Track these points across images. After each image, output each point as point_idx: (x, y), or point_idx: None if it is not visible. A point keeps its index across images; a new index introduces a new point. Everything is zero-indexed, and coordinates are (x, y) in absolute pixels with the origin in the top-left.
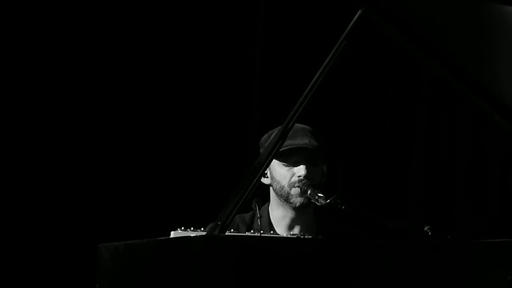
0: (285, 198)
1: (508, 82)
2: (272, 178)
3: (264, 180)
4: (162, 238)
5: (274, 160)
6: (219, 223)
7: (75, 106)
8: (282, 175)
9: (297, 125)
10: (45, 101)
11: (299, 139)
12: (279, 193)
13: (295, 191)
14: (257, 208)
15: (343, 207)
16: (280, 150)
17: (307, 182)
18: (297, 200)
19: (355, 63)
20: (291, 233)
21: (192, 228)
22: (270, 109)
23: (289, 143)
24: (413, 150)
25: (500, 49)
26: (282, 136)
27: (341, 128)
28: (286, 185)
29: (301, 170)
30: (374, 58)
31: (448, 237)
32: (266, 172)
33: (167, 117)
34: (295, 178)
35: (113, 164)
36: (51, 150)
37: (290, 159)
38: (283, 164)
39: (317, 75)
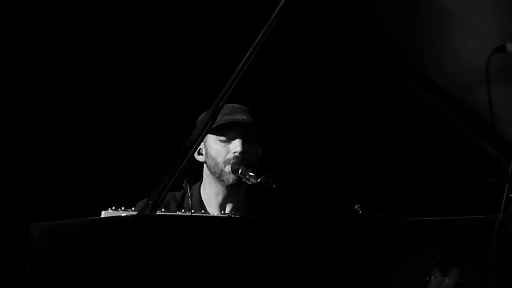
0: (218, 175)
1: (436, 61)
2: (207, 154)
3: (199, 158)
4: (93, 218)
5: (210, 136)
6: (150, 202)
7: None
8: (218, 151)
9: (235, 104)
10: None
11: (237, 115)
12: (212, 170)
13: (228, 168)
14: (188, 187)
15: (273, 185)
16: (217, 124)
17: (239, 161)
18: (230, 177)
19: (288, 43)
20: (222, 212)
21: (123, 208)
22: (203, 88)
23: (226, 118)
24: (344, 128)
25: (425, 27)
26: (213, 115)
27: (272, 107)
28: (221, 162)
29: (237, 146)
30: (306, 37)
31: (378, 215)
32: (201, 149)
33: (97, 95)
34: (230, 155)
35: (46, 143)
36: None
37: (226, 134)
38: (219, 140)
39: (247, 54)
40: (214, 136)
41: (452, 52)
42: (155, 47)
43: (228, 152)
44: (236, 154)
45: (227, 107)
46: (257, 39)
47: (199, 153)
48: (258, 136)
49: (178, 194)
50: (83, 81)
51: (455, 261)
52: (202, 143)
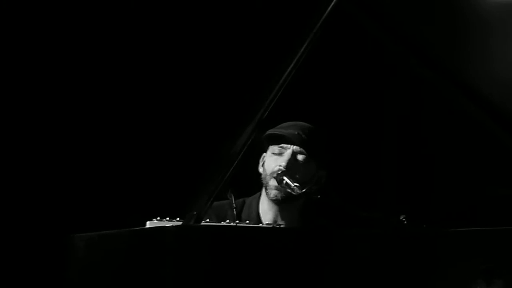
0: (265, 188)
1: (483, 70)
2: (263, 167)
3: (260, 169)
4: (137, 228)
5: (269, 148)
6: (194, 213)
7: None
8: (269, 164)
9: (299, 122)
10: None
11: (292, 130)
12: (263, 182)
13: (273, 182)
14: (233, 198)
15: (318, 196)
16: (267, 134)
17: (284, 171)
18: (272, 193)
19: (330, 53)
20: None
21: (168, 218)
22: (248, 98)
23: (279, 131)
24: (385, 137)
25: (473, 36)
26: (257, 126)
27: (314, 115)
28: (268, 174)
29: (282, 160)
30: (347, 48)
31: (424, 226)
32: (264, 161)
33: (143, 106)
34: (276, 168)
35: (89, 154)
36: (24, 140)
37: (279, 148)
38: (273, 153)
39: (293, 63)
40: (271, 148)
41: (502, 55)
42: (203, 55)
43: (276, 165)
44: (280, 167)
45: (290, 122)
46: (302, 49)
47: (262, 165)
48: (314, 154)
49: (237, 203)
50: (131, 91)
51: (499, 271)
52: (265, 155)
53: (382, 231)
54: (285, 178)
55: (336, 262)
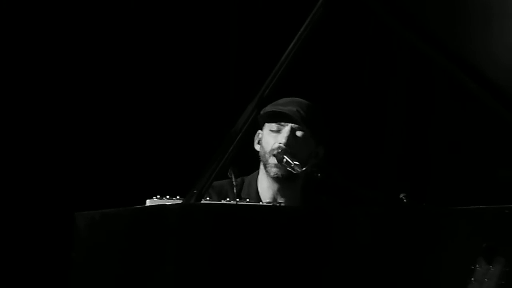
0: (264, 166)
1: (484, 50)
2: (260, 145)
3: (256, 147)
4: (138, 206)
5: (265, 125)
6: (195, 191)
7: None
8: (267, 141)
9: (296, 98)
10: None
11: (290, 106)
12: (262, 160)
13: (272, 159)
14: (233, 177)
15: (318, 175)
16: (265, 112)
17: (285, 149)
18: (272, 171)
19: (332, 34)
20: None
21: (168, 197)
22: (248, 77)
23: (276, 107)
24: (389, 118)
25: (473, 16)
26: (258, 104)
27: (315, 99)
28: (267, 152)
29: (282, 137)
30: (351, 29)
31: (424, 204)
32: (260, 139)
33: (141, 84)
34: (275, 145)
35: (89, 133)
36: (24, 121)
37: (277, 125)
38: (270, 130)
39: (292, 44)
40: (268, 126)
41: (501, 38)
42: (199, 39)
43: (275, 142)
44: (280, 144)
45: (286, 99)
46: (302, 28)
47: (258, 143)
48: (313, 131)
49: (236, 183)
50: (130, 73)
51: (500, 249)
52: (261, 132)
53: (384, 209)
54: (285, 156)
55: (338, 240)
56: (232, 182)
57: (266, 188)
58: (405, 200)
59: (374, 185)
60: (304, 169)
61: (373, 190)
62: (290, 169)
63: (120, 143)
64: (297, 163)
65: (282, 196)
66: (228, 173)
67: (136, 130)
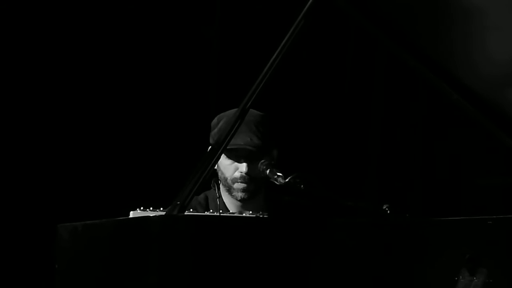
0: (228, 190)
1: (465, 61)
2: (218, 165)
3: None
4: (121, 218)
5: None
6: (178, 203)
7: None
8: (226, 167)
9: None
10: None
11: (243, 135)
12: (222, 183)
13: (237, 186)
14: (216, 188)
15: (302, 186)
16: (217, 143)
17: (266, 162)
18: (239, 195)
19: (313, 43)
20: (250, 212)
21: (151, 208)
22: (229, 89)
23: (232, 143)
24: (370, 129)
25: (454, 27)
26: (241, 116)
27: (297, 109)
28: (228, 179)
29: (243, 167)
30: (331, 37)
31: (407, 215)
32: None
33: (125, 97)
34: (237, 174)
35: (73, 144)
36: (10, 130)
37: (232, 156)
38: (227, 156)
39: (274, 55)
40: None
41: (482, 50)
42: (180, 46)
43: (235, 170)
44: (242, 174)
45: (236, 118)
46: (284, 40)
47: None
48: (268, 146)
49: (200, 198)
50: (114, 81)
51: (483, 261)
52: None
53: (367, 220)
54: (267, 170)
55: (322, 251)
56: (216, 192)
57: (230, 203)
58: (388, 211)
59: (357, 196)
60: (287, 180)
61: (356, 201)
62: (273, 181)
63: (103, 156)
64: (279, 174)
65: (246, 209)
66: (211, 185)
67: (119, 143)
